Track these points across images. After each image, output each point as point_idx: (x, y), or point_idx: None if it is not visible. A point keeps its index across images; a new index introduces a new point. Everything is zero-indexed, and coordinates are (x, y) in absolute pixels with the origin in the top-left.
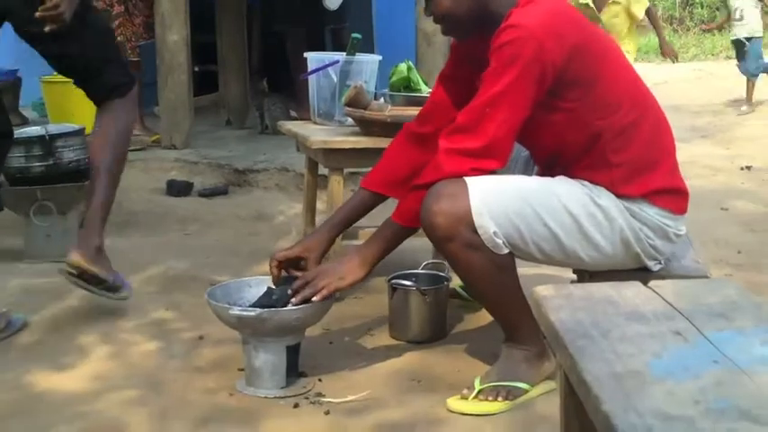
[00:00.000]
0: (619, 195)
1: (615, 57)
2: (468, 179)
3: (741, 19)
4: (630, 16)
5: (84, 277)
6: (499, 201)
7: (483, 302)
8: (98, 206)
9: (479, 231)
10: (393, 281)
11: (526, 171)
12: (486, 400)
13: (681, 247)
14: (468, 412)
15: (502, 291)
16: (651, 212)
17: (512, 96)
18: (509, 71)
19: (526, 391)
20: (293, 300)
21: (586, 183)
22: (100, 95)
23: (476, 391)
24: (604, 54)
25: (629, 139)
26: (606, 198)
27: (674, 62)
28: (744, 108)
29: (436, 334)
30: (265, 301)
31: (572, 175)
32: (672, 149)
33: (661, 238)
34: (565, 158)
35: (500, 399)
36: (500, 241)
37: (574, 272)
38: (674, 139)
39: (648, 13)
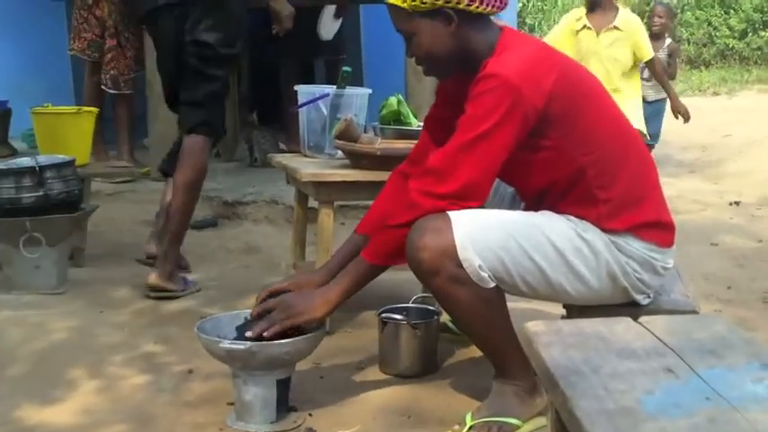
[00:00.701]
0: (604, 230)
1: (596, 93)
2: (452, 213)
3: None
4: (634, 51)
5: (162, 295)
6: (484, 235)
7: (471, 337)
8: (172, 237)
9: (464, 265)
10: (383, 315)
11: (512, 207)
12: None
13: (669, 281)
14: None
15: (489, 325)
16: (637, 246)
17: (489, 143)
18: (488, 119)
19: (517, 427)
20: (247, 333)
21: (572, 217)
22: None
23: (467, 427)
24: (586, 91)
25: (615, 175)
26: (592, 232)
27: (685, 122)
28: None
29: (427, 368)
30: (240, 334)
31: (558, 211)
32: (656, 184)
33: (648, 271)
34: (551, 195)
35: None
36: (485, 275)
37: (564, 306)
38: (659, 174)
39: (652, 66)
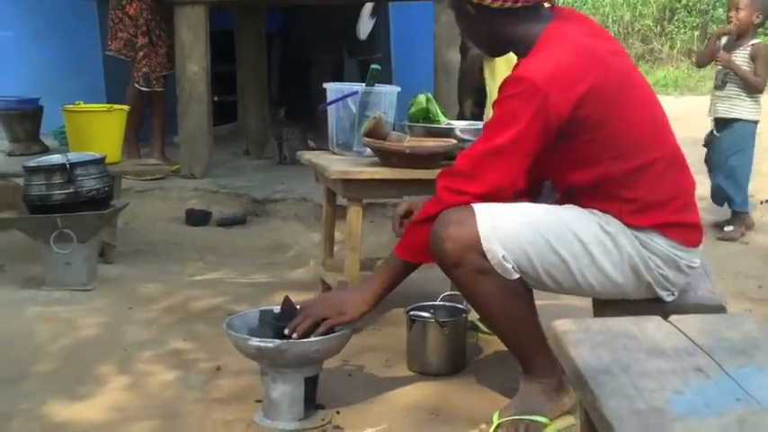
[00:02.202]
0: (628, 225)
1: (632, 95)
2: (476, 206)
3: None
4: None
5: None
6: (507, 227)
7: (495, 330)
8: None
9: (488, 256)
10: (411, 312)
11: (552, 195)
12: None
13: (696, 279)
14: None
15: (513, 318)
16: (661, 243)
17: (516, 148)
18: (514, 124)
19: (545, 426)
20: (293, 335)
21: (596, 211)
22: None
23: (494, 425)
24: (619, 94)
25: (640, 179)
26: (615, 226)
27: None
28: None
29: (455, 366)
30: (268, 330)
31: (583, 206)
32: (687, 187)
33: (672, 268)
34: (577, 191)
35: None
36: (509, 266)
37: (593, 303)
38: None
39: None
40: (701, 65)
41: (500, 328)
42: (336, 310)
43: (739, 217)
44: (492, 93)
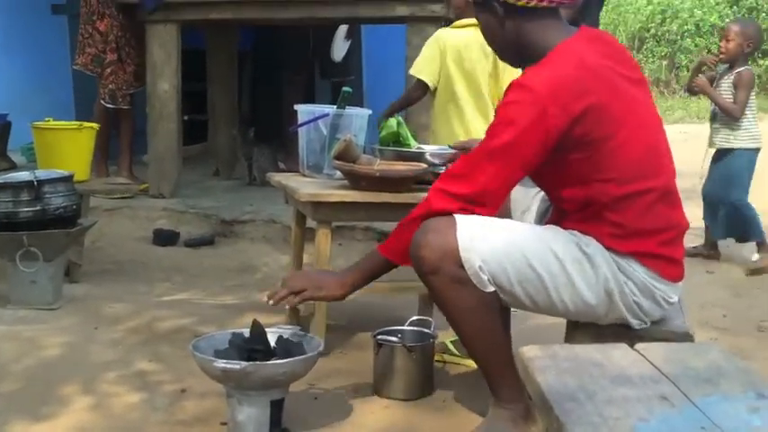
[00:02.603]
0: (608, 248)
1: (636, 122)
2: (457, 216)
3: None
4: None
5: None
6: (487, 239)
7: (464, 344)
8: None
9: (465, 266)
10: (378, 337)
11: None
12: None
13: (671, 312)
14: None
15: (484, 332)
16: (639, 270)
17: (509, 154)
18: (509, 130)
19: None
20: (270, 302)
21: (576, 232)
22: None
23: None
24: (622, 118)
25: (629, 206)
26: (594, 247)
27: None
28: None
29: (422, 391)
30: (230, 352)
31: (568, 225)
32: (676, 223)
33: (647, 298)
34: (568, 208)
35: None
36: (485, 277)
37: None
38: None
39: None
40: (690, 92)
41: (470, 342)
42: (315, 284)
43: (764, 246)
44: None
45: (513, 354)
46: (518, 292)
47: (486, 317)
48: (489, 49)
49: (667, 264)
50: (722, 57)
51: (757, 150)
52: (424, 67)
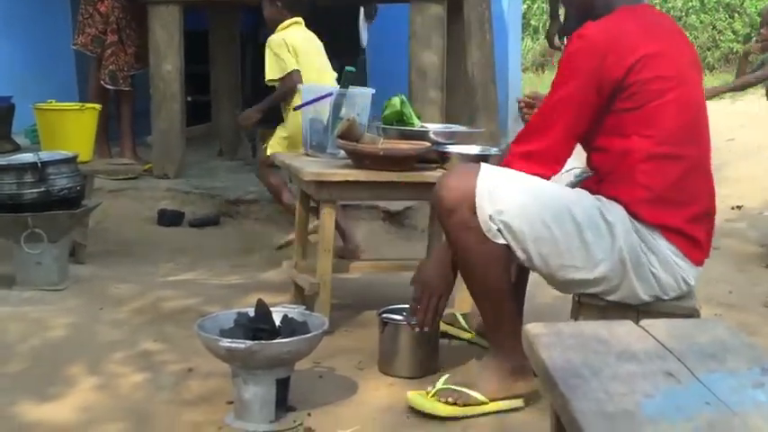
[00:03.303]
0: (635, 216)
1: (684, 90)
2: (484, 165)
3: None
4: None
5: None
6: (506, 190)
7: (470, 290)
8: None
9: (477, 212)
10: (383, 315)
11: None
12: (440, 401)
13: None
14: (419, 408)
15: (487, 281)
16: (662, 244)
17: (572, 105)
18: (570, 81)
19: (482, 403)
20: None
21: (602, 198)
22: None
23: (435, 389)
24: (672, 79)
25: (658, 170)
26: (616, 215)
27: None
28: None
29: (426, 370)
30: (240, 332)
31: (601, 180)
32: (703, 202)
33: (668, 273)
34: (603, 164)
35: (450, 401)
36: (494, 227)
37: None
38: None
39: None
40: (744, 87)
41: (473, 285)
42: (438, 289)
43: None
44: None
45: (515, 310)
46: (530, 248)
47: (492, 267)
48: None
49: (691, 243)
50: (758, 46)
51: None
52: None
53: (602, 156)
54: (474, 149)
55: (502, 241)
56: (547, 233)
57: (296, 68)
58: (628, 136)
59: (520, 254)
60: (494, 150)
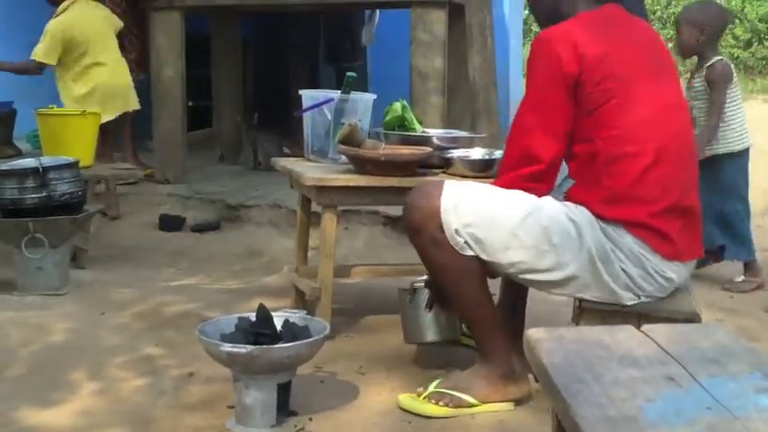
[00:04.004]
0: (596, 214)
1: (644, 84)
2: (448, 181)
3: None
4: None
5: None
6: (470, 203)
7: (452, 303)
8: None
9: (444, 227)
10: (415, 284)
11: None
12: (431, 402)
13: (676, 294)
14: (410, 410)
15: (464, 293)
16: (626, 238)
17: (543, 104)
18: (535, 82)
19: (472, 406)
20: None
21: (568, 203)
22: None
23: (427, 392)
24: (630, 76)
25: (618, 169)
26: (582, 216)
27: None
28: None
29: (450, 334)
30: (236, 336)
31: (570, 192)
32: (672, 196)
33: (637, 266)
34: (572, 172)
35: (441, 404)
36: (461, 240)
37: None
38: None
39: None
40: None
41: (454, 301)
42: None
43: (751, 267)
44: None
45: (495, 315)
46: (500, 258)
47: (466, 279)
48: None
49: (657, 237)
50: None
51: (744, 151)
52: None
53: (574, 163)
54: (478, 153)
55: (471, 253)
56: (514, 241)
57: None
58: (591, 140)
59: (493, 264)
60: (497, 154)
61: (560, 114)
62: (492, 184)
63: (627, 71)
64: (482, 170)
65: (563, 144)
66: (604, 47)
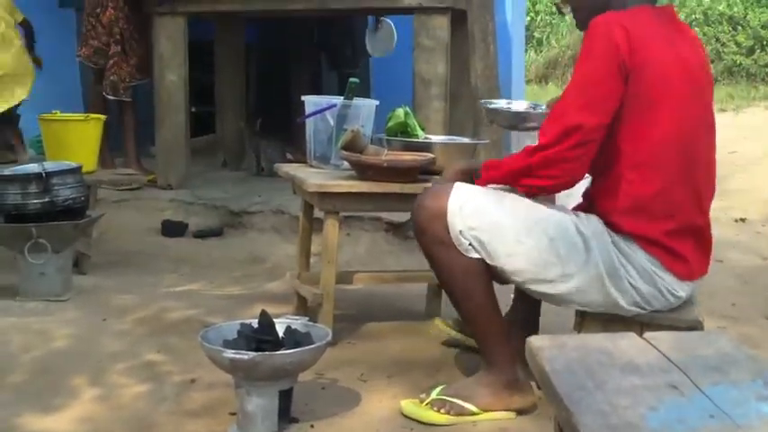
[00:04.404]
0: (612, 226)
1: (680, 98)
2: (457, 183)
3: None
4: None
5: None
6: (477, 206)
7: (455, 307)
8: None
9: (449, 228)
10: None
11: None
12: (433, 410)
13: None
14: (412, 416)
15: (467, 296)
16: (639, 254)
17: (592, 83)
18: (587, 61)
19: (473, 414)
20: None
21: (580, 213)
22: None
23: (429, 399)
24: (670, 87)
25: (642, 179)
26: (593, 228)
27: None
28: None
29: None
30: (239, 342)
31: (592, 192)
32: (685, 216)
33: (648, 284)
34: (595, 172)
35: (443, 411)
36: (466, 242)
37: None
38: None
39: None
40: None
41: (457, 304)
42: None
43: None
44: None
45: (499, 322)
46: (504, 264)
47: (471, 282)
48: None
49: (670, 256)
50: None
51: None
52: None
53: (600, 162)
54: (522, 105)
55: (475, 255)
56: (520, 248)
57: None
58: (620, 141)
59: (498, 270)
60: (542, 107)
61: (609, 95)
62: (531, 161)
63: (668, 81)
64: None
65: (608, 118)
66: (653, 51)
